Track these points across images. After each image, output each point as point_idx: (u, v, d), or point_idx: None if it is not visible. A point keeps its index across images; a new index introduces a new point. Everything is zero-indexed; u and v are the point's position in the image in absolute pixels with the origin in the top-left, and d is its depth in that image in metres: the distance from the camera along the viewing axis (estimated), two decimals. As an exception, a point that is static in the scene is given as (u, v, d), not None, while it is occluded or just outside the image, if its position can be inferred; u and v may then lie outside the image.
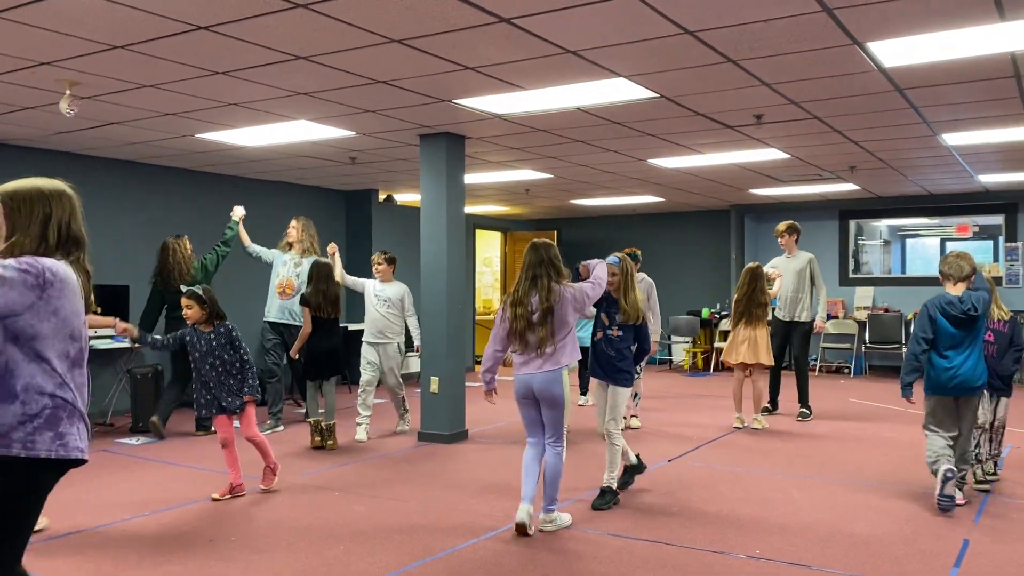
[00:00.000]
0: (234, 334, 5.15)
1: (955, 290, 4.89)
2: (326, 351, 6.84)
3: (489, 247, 14.75)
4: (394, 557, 4.00)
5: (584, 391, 8.95)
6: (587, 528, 4.48)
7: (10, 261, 2.25)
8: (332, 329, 6.91)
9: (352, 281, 7.22)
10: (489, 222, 13.98)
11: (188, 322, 5.11)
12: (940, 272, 5.04)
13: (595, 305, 4.84)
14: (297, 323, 7.45)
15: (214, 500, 4.99)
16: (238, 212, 7.63)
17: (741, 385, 7.65)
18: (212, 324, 5.10)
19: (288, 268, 7.70)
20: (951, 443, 4.85)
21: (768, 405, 8.09)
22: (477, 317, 13.53)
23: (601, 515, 4.70)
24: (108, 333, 7.74)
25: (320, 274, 6.82)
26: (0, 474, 2.27)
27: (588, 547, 4.18)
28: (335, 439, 6.64)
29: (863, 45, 4.53)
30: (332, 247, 7.34)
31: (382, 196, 11.22)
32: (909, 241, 12.99)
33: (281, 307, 7.67)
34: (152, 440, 6.92)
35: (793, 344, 8.15)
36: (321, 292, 6.76)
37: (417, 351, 7.15)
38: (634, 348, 4.98)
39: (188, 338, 5.08)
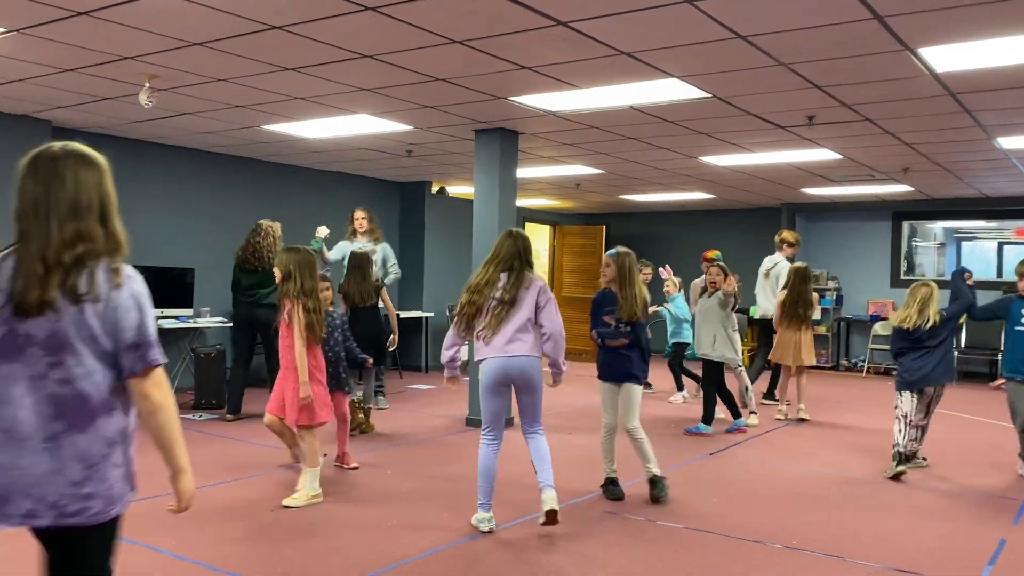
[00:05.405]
0: (346, 318, 5.79)
1: None
2: (364, 337, 7.02)
3: (538, 240, 14.93)
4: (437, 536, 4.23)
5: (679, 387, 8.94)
6: (627, 513, 4.66)
7: None
8: (370, 316, 7.07)
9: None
10: (539, 215, 14.16)
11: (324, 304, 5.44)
12: (1017, 272, 5.74)
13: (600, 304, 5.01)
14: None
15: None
16: (323, 232, 7.67)
17: (788, 381, 7.90)
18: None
19: None
20: None
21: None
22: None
23: (638, 501, 4.86)
24: (174, 314, 8.12)
25: (354, 264, 7.01)
26: None
27: (631, 530, 4.36)
28: (369, 422, 6.88)
29: (915, 51, 4.59)
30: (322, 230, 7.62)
31: (435, 188, 11.47)
32: (965, 244, 12.80)
33: None
34: (213, 417, 7.27)
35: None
36: (356, 282, 6.96)
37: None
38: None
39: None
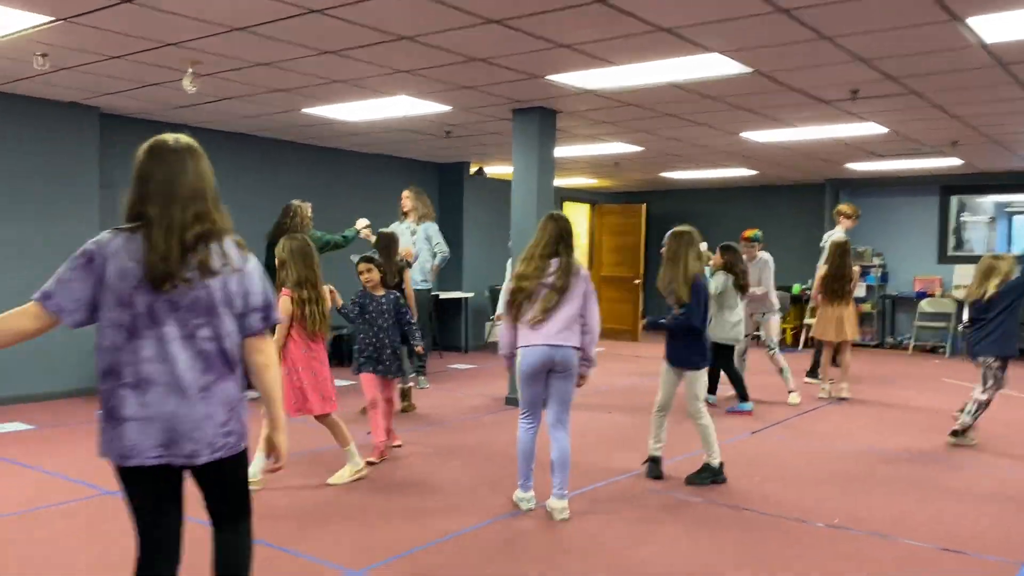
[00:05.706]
0: (401, 301, 5.44)
1: None
2: None
3: (576, 219, 14.87)
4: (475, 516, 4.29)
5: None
6: (668, 492, 4.67)
7: None
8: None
9: None
10: (577, 194, 14.11)
11: (368, 286, 5.35)
12: None
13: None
14: (417, 287, 7.59)
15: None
16: (362, 223, 7.63)
17: (830, 359, 7.80)
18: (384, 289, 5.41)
19: (405, 237, 7.87)
20: None
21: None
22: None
23: (680, 480, 4.85)
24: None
25: (379, 245, 6.88)
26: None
27: (671, 508, 4.38)
28: (410, 402, 6.93)
29: (963, 21, 4.47)
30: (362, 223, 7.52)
31: (473, 168, 11.48)
32: (1017, 218, 12.46)
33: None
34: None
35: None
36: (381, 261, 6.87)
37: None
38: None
39: (361, 301, 5.33)
